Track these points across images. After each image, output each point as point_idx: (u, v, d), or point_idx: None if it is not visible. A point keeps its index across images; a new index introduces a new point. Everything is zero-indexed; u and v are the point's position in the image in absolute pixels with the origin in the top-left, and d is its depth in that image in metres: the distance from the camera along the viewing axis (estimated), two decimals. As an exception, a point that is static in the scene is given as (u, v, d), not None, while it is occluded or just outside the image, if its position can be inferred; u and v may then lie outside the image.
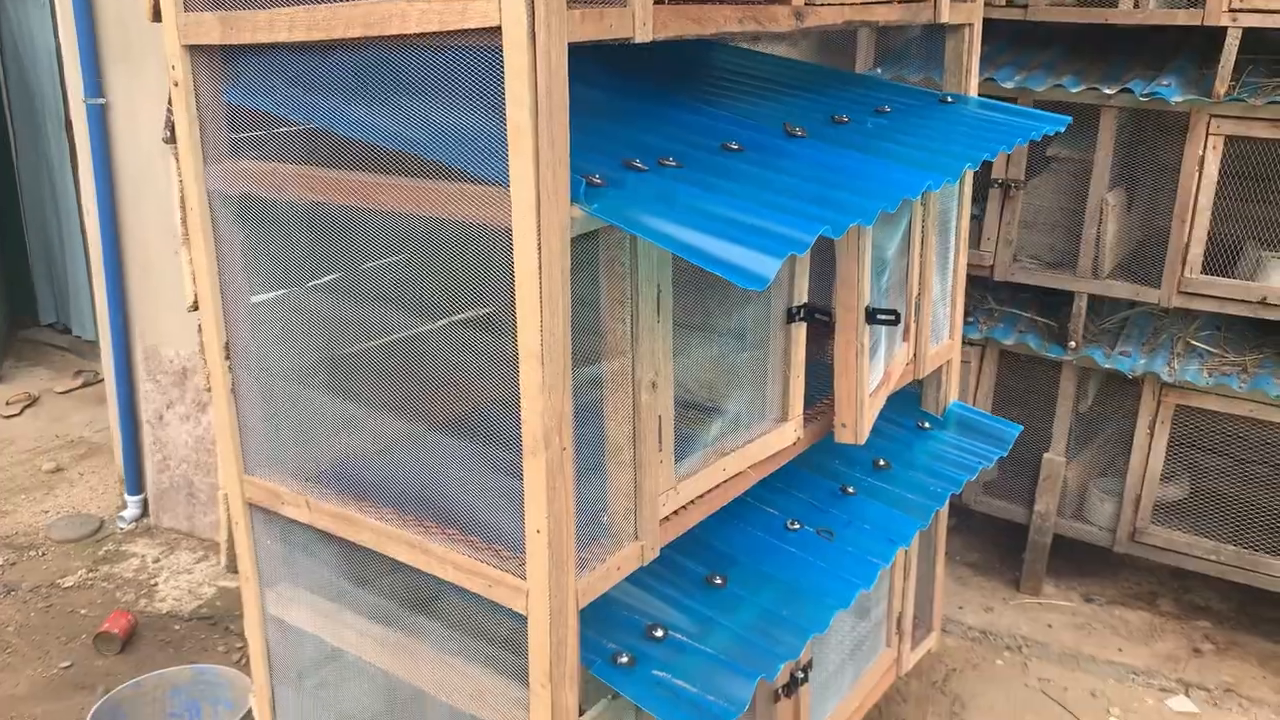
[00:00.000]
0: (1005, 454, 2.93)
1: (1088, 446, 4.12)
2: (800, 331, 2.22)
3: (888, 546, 2.41)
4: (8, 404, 6.34)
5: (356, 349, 1.98)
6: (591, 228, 1.67)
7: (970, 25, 2.80)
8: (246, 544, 2.18)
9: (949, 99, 2.77)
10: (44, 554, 4.59)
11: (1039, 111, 2.83)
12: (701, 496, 2.06)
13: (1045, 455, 4.03)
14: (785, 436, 2.26)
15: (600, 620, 2.05)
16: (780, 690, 2.46)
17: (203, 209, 2.00)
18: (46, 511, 4.96)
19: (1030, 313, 4.12)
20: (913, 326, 2.75)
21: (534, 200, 1.52)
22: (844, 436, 2.34)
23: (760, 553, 2.34)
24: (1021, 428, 3.01)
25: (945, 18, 2.62)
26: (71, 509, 4.95)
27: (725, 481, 2.12)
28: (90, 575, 4.40)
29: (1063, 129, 2.66)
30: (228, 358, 2.08)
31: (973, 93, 2.85)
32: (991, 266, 3.99)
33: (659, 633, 2.02)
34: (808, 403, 2.39)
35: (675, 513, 2.00)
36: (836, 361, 2.29)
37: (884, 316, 2.22)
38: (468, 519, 1.83)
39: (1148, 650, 3.85)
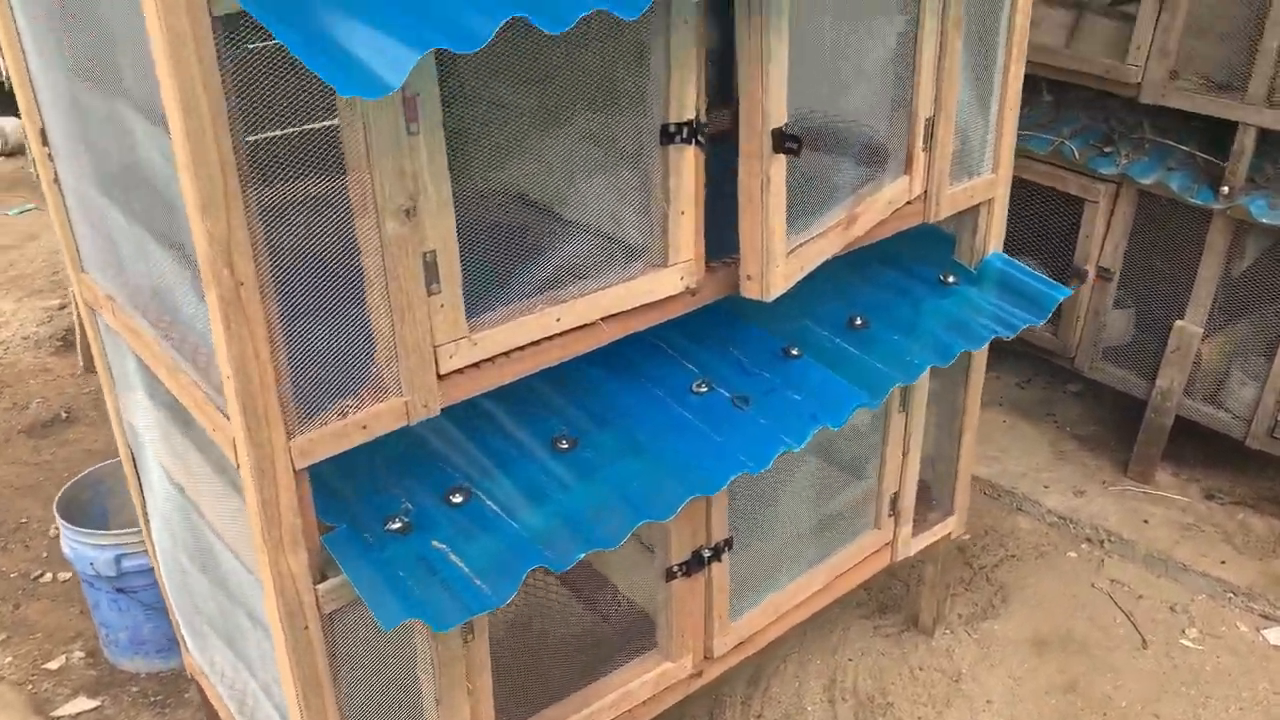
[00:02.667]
0: (1040, 321, 2.36)
1: (1237, 319, 3.35)
2: (684, 157, 1.76)
3: (806, 424, 1.99)
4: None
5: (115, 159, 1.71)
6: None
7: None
8: (96, 344, 2.07)
9: None
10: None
11: None
12: (522, 349, 1.73)
13: (1177, 323, 3.31)
14: (664, 285, 1.85)
15: (406, 471, 1.81)
16: (677, 568, 2.15)
17: None
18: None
19: (1190, 146, 3.31)
20: (919, 157, 2.20)
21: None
22: (750, 290, 1.90)
23: (643, 415, 1.99)
24: (1069, 291, 2.41)
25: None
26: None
27: (562, 335, 1.76)
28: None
29: None
30: (45, 144, 1.91)
31: None
32: (1138, 84, 3.19)
33: (458, 498, 1.75)
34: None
35: (477, 365, 1.68)
36: (740, 194, 1.83)
37: (790, 144, 1.72)
38: (202, 352, 1.61)
39: (1260, 567, 3.19)
